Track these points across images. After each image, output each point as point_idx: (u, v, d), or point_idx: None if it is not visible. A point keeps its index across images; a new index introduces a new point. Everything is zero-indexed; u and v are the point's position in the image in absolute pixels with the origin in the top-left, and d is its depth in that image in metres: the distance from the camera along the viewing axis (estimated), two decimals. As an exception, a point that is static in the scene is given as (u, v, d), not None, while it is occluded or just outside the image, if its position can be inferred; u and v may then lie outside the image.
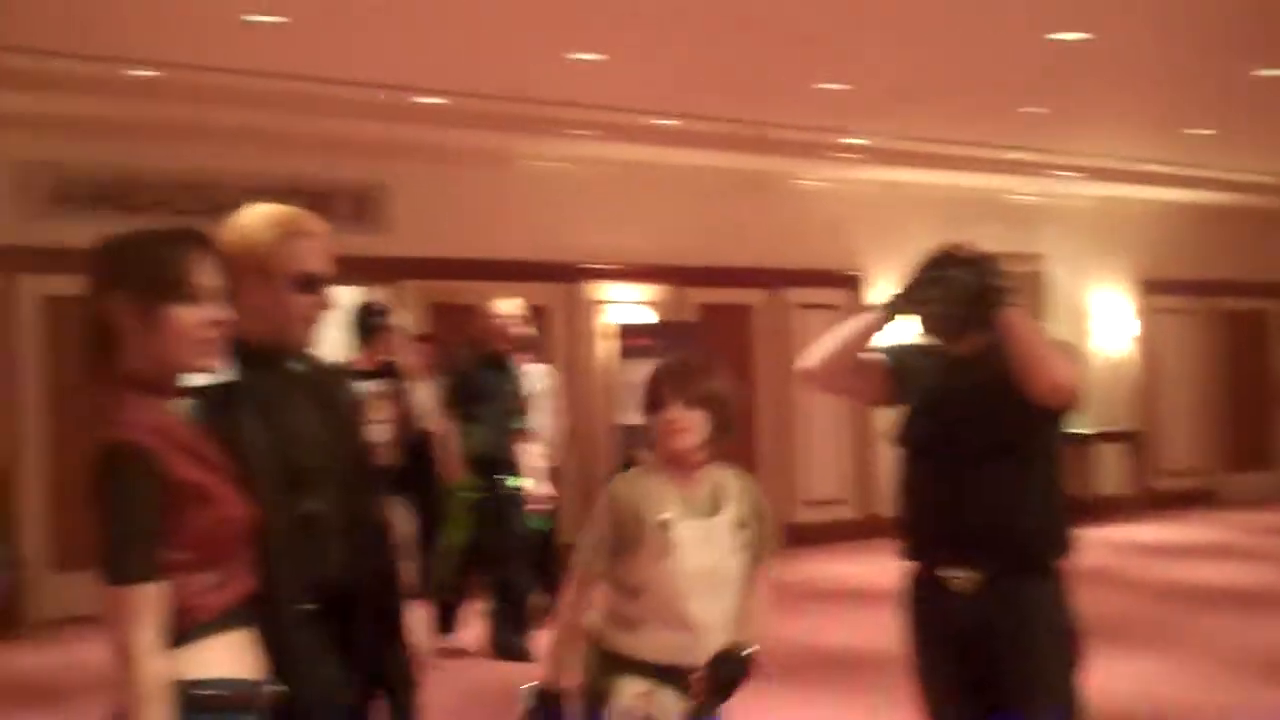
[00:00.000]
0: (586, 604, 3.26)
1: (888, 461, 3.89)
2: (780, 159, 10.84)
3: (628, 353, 10.06)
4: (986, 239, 3.70)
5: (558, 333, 10.42)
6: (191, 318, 2.36)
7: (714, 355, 3.63)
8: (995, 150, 11.34)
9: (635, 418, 9.21)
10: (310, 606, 2.61)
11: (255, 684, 2.38)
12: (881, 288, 11.86)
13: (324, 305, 2.77)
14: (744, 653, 3.17)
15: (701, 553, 3.17)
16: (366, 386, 6.51)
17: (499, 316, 7.22)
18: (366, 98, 8.37)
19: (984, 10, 7.19)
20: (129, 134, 8.69)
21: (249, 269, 2.69)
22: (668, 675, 3.11)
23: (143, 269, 2.35)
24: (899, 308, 3.42)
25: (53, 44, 7.11)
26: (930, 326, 3.47)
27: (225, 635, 2.35)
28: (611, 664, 3.16)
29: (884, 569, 3.96)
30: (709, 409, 3.24)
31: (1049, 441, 3.44)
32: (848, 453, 11.85)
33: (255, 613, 2.42)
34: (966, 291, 3.32)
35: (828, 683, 6.41)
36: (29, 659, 7.57)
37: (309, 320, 2.76)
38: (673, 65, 8.31)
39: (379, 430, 6.39)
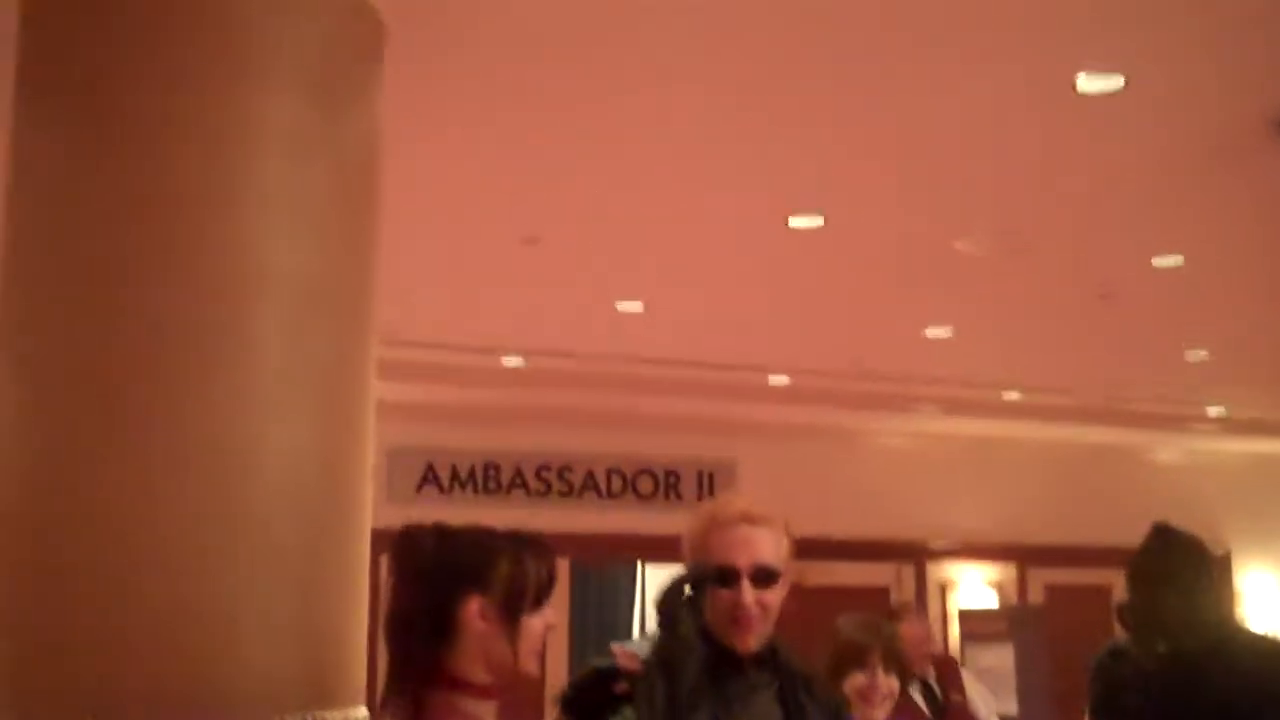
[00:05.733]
0: None
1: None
2: (1133, 431, 10.42)
3: (970, 638, 9.63)
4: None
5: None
6: (540, 624, 2.36)
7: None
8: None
9: (988, 707, 8.55)
10: None
11: None
12: (1252, 567, 11.08)
13: (740, 603, 2.52)
14: None
15: None
16: None
17: None
18: (719, 379, 8.55)
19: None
20: (492, 419, 9.13)
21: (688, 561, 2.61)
22: None
23: (508, 577, 2.34)
24: None
25: (436, 338, 7.58)
26: None
27: None
28: None
29: None
30: (902, 672, 3.28)
31: None
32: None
33: None
34: None
35: None
36: None
37: (732, 618, 2.52)
38: (1022, 338, 8.18)
39: None
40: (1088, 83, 4.17)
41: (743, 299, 7.12)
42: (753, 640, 2.54)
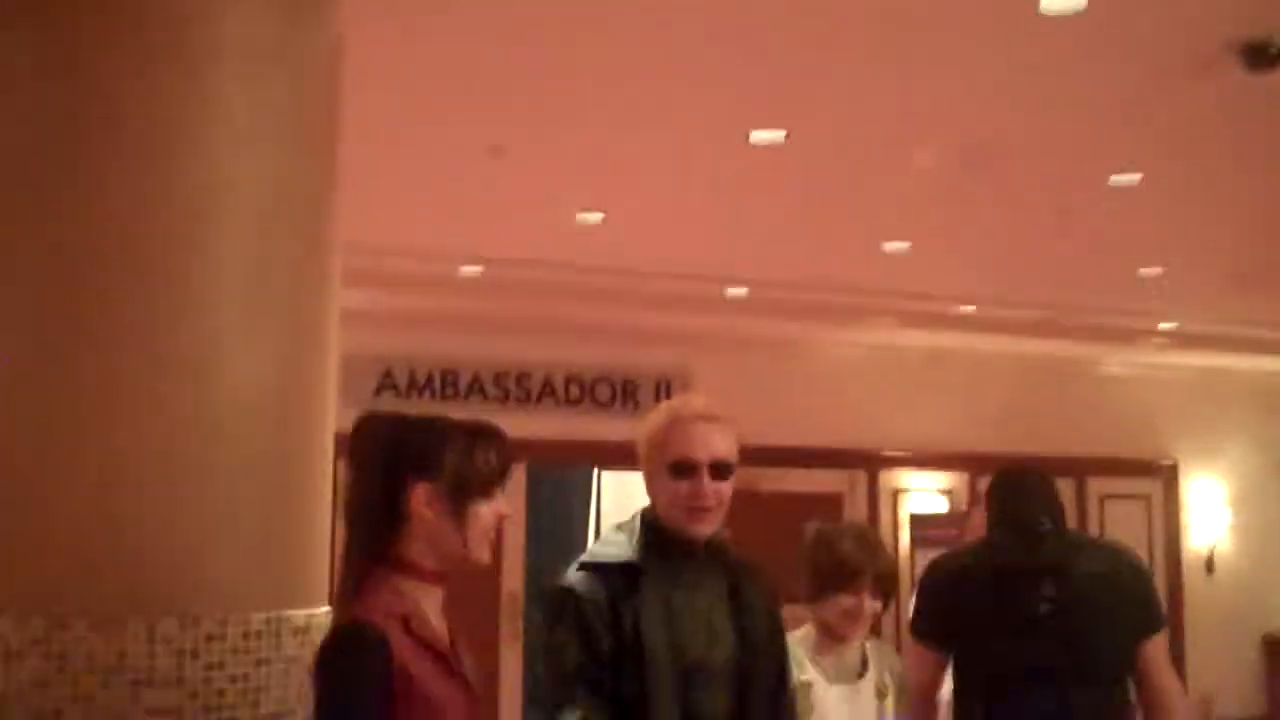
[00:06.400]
0: None
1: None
2: (1085, 344, 10.55)
3: (921, 542, 9.85)
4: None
5: (855, 519, 10.28)
6: (490, 512, 2.40)
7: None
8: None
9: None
10: None
11: None
12: (1197, 477, 11.31)
13: (699, 493, 2.75)
14: None
15: (844, 714, 3.20)
16: None
17: None
18: (677, 289, 8.58)
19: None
20: (449, 326, 9.12)
21: (646, 457, 2.84)
22: None
23: (456, 464, 2.37)
24: None
25: (395, 245, 7.54)
26: None
27: None
28: None
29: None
30: (887, 594, 3.32)
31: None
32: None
33: None
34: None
35: None
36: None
37: (688, 507, 2.76)
38: (978, 254, 8.24)
39: None
40: (1051, 2, 4.18)
41: (703, 211, 7.13)
42: (708, 527, 2.79)
